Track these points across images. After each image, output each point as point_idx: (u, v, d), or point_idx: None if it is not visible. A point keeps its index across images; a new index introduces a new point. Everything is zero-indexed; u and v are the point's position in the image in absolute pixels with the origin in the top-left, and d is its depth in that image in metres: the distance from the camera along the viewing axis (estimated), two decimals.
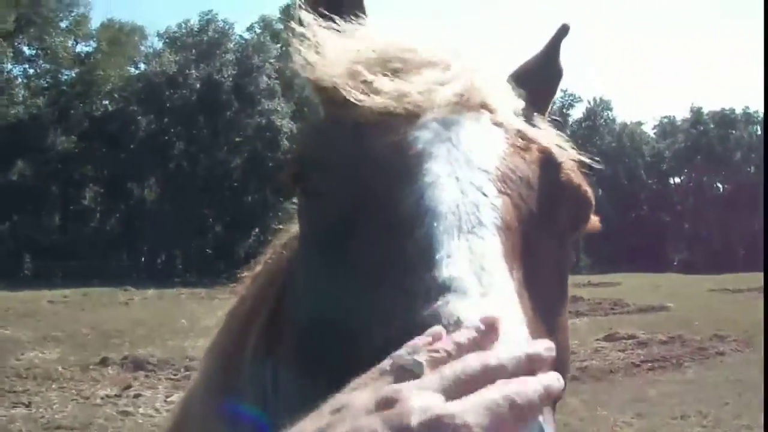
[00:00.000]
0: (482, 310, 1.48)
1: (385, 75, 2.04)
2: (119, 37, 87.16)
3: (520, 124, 2.14)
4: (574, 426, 15.63)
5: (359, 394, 1.28)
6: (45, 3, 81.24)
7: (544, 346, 1.43)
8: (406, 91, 1.99)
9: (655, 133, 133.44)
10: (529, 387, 1.26)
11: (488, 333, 1.40)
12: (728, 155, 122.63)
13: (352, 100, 1.98)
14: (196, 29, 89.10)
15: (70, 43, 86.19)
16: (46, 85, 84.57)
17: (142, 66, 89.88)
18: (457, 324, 1.46)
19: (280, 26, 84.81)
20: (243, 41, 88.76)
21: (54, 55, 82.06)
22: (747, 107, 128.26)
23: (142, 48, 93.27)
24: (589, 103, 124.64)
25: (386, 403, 1.21)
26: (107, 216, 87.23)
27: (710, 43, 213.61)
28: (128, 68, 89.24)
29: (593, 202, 2.20)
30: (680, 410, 16.74)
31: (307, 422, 1.28)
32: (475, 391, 1.24)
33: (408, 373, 1.29)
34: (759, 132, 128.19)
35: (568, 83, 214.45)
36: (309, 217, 2.08)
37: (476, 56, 2.24)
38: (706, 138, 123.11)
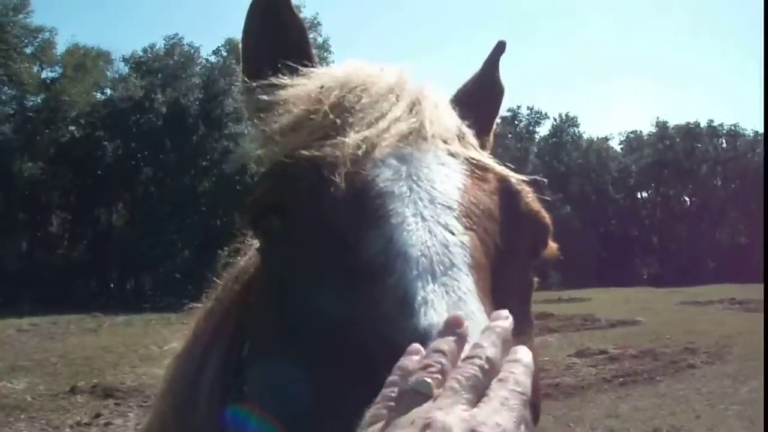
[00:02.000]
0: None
1: (340, 117, 2.03)
2: (85, 62, 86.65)
3: (475, 153, 2.14)
4: None
5: (392, 429, 1.27)
6: (9, 29, 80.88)
7: (503, 316, 1.50)
8: (361, 131, 1.98)
9: (621, 148, 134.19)
10: (519, 372, 1.37)
11: (458, 331, 1.45)
12: (694, 169, 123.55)
13: (309, 153, 1.97)
14: (161, 53, 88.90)
15: (35, 68, 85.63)
16: (11, 111, 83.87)
17: (108, 91, 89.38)
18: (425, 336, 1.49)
19: None
20: (209, 64, 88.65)
21: (19, 82, 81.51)
22: (711, 120, 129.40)
23: (108, 73, 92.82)
24: (555, 120, 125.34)
25: (424, 429, 1.22)
26: (75, 242, 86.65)
27: (674, 57, 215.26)
28: (94, 93, 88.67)
29: (551, 228, 2.21)
30: (653, 425, 16.81)
31: None
32: (483, 389, 1.32)
33: (421, 395, 1.30)
34: (724, 145, 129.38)
35: (533, 100, 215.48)
36: (273, 260, 2.04)
37: (424, 86, 2.24)
38: (672, 152, 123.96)
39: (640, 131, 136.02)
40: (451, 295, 1.64)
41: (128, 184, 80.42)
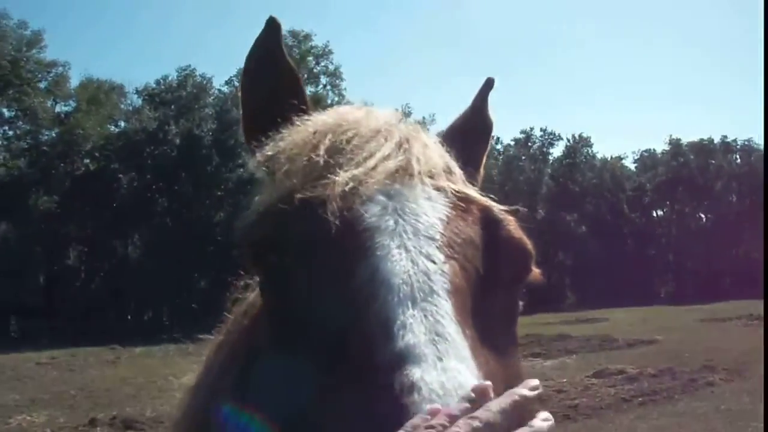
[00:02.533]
0: (440, 375, 1.60)
1: (332, 159, 2.18)
2: (98, 95, 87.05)
3: (459, 186, 2.27)
4: None
5: None
6: (23, 64, 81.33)
7: (531, 386, 1.62)
8: (350, 170, 2.12)
9: (635, 167, 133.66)
10: None
11: (478, 400, 1.52)
12: (709, 185, 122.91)
13: (302, 195, 2.10)
14: (174, 84, 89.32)
15: (49, 103, 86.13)
16: (26, 146, 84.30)
17: (122, 123, 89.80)
18: (418, 390, 1.57)
19: None
20: (222, 94, 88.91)
21: (33, 116, 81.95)
22: (725, 136, 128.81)
23: (122, 105, 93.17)
24: (569, 140, 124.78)
25: None
26: (92, 275, 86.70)
27: (685, 73, 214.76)
28: (108, 126, 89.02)
29: (533, 254, 2.30)
30: None
31: None
32: None
33: None
34: (738, 160, 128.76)
35: (547, 122, 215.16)
36: (270, 295, 2.18)
37: (413, 127, 2.42)
38: (687, 169, 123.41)
39: (654, 149, 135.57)
40: (429, 319, 1.77)
41: (144, 216, 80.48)
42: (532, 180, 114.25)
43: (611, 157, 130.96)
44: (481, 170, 2.84)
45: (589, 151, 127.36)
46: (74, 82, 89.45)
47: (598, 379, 26.09)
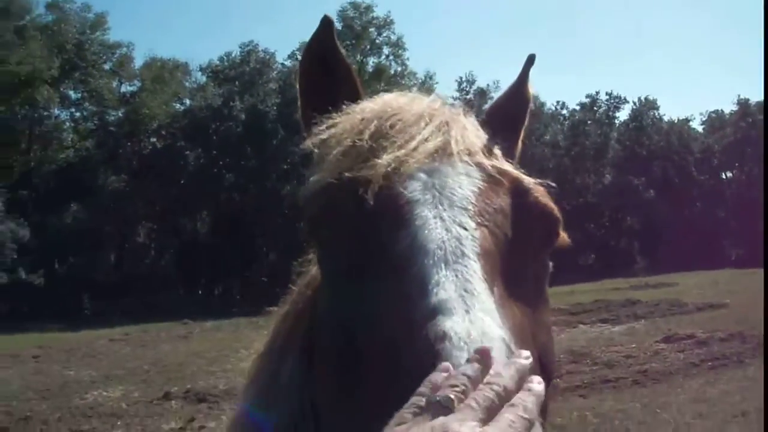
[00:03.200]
0: (467, 324, 1.84)
1: (377, 143, 2.42)
2: (162, 74, 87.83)
3: (493, 160, 2.49)
4: (634, 431, 15.60)
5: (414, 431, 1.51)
6: (88, 47, 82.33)
7: (524, 356, 1.75)
8: (393, 152, 2.36)
9: (703, 129, 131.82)
10: (529, 401, 1.59)
11: (485, 361, 1.67)
12: None
13: (350, 174, 2.34)
14: (237, 61, 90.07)
15: (114, 84, 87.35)
16: (93, 127, 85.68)
17: (187, 101, 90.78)
18: (448, 340, 1.80)
19: None
20: (285, 69, 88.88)
21: (99, 97, 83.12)
22: None
23: (186, 83, 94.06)
24: (635, 104, 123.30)
25: None
26: (162, 252, 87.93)
27: (752, 31, 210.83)
28: (173, 104, 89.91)
29: (560, 219, 2.50)
30: (741, 408, 16.65)
31: None
32: (497, 412, 1.54)
33: (443, 408, 1.52)
34: None
35: (612, 86, 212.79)
36: (326, 264, 2.44)
37: (454, 111, 2.65)
38: (756, 129, 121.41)
39: (722, 110, 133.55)
40: (459, 278, 2.01)
41: (211, 192, 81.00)
42: (598, 144, 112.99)
43: (678, 120, 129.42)
44: (519, 143, 3.02)
45: (656, 114, 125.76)
46: (138, 62, 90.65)
47: (667, 344, 25.98)
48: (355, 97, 2.73)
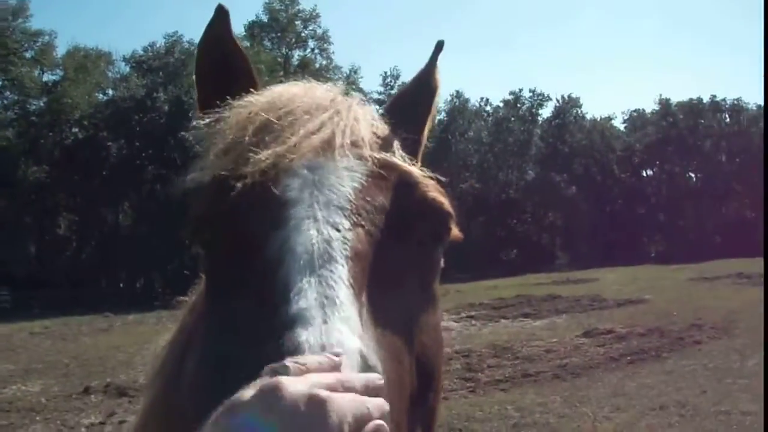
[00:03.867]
0: (322, 336, 1.75)
1: (260, 138, 2.30)
2: (85, 63, 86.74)
3: (381, 153, 2.36)
4: (554, 424, 15.79)
5: (244, 391, 1.49)
6: (9, 34, 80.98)
7: (377, 378, 1.70)
8: (274, 149, 2.24)
9: (625, 127, 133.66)
10: (370, 404, 1.54)
11: (335, 366, 1.63)
12: (698, 145, 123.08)
13: (227, 173, 2.23)
14: (162, 51, 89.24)
15: (36, 72, 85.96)
16: (14, 116, 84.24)
17: (110, 91, 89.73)
18: (301, 350, 1.72)
19: (246, 44, 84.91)
20: None
21: (21, 86, 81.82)
22: (714, 96, 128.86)
23: (110, 73, 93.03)
24: (558, 101, 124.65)
25: (266, 389, 1.45)
26: (83, 243, 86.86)
27: (674, 33, 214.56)
28: (96, 94, 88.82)
29: (452, 213, 2.38)
30: (659, 401, 16.93)
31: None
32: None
33: (279, 374, 1.52)
34: (727, 120, 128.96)
35: (535, 83, 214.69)
36: (205, 267, 2.33)
37: (349, 101, 2.51)
38: (676, 129, 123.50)
39: (643, 109, 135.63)
40: (322, 285, 1.91)
41: (134, 184, 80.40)
42: (521, 141, 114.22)
43: (600, 118, 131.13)
44: (425, 133, 2.86)
45: (579, 112, 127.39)
46: (61, 50, 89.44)
47: (588, 339, 26.27)
48: (253, 90, 2.57)
